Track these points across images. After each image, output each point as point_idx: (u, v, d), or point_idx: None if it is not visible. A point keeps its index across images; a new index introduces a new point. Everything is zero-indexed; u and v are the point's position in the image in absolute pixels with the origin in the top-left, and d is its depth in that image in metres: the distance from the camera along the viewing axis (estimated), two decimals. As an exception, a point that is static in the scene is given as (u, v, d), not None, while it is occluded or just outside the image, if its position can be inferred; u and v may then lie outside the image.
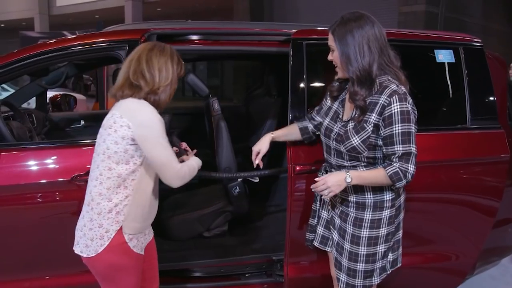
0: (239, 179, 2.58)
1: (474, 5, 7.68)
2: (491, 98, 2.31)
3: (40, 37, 9.05)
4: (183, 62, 1.75)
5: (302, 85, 2.16)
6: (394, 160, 1.62)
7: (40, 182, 1.99)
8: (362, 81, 1.65)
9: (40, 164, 2.03)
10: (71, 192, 2.00)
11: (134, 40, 2.17)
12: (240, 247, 2.64)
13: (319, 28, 2.33)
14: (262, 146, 1.95)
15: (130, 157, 1.62)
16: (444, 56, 2.32)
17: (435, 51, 2.31)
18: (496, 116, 2.30)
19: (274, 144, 2.00)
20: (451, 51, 2.33)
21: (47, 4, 19.38)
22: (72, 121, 3.60)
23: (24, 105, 3.51)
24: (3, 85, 9.23)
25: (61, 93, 4.50)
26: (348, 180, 1.65)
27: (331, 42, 1.71)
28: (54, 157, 2.05)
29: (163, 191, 2.96)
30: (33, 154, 2.05)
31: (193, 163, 1.80)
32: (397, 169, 1.61)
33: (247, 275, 2.42)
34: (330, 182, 1.65)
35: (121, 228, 1.64)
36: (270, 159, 3.39)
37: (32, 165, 2.03)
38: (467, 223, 2.30)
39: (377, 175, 1.65)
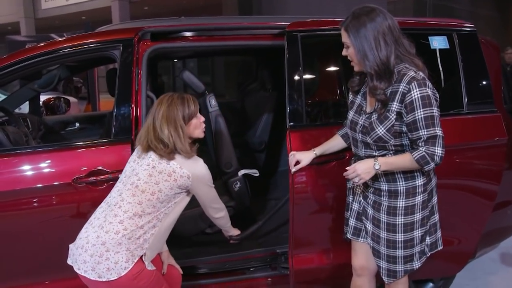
0: (240, 174, 2.58)
1: (463, -8, 7.74)
2: (487, 82, 2.33)
3: (28, 41, 8.94)
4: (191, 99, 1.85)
5: (298, 77, 2.16)
6: (420, 144, 1.65)
7: (40, 186, 1.97)
8: (380, 75, 1.66)
9: (39, 168, 2.01)
10: (72, 195, 1.99)
11: (128, 39, 2.16)
12: (243, 241, 2.64)
13: (313, 20, 2.33)
14: (304, 158, 1.99)
15: (174, 198, 1.80)
16: (438, 42, 2.33)
17: (429, 37, 2.32)
18: (492, 100, 2.32)
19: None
20: (445, 37, 2.34)
21: (32, 8, 19.11)
22: (67, 124, 3.57)
23: (16, 110, 3.47)
24: (-5, 91, 9.12)
25: (54, 96, 4.46)
26: (377, 167, 1.68)
27: (345, 39, 1.71)
28: (54, 161, 2.03)
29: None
30: (31, 159, 2.03)
31: (230, 228, 2.23)
32: (424, 153, 1.63)
33: (251, 269, 2.42)
34: (360, 170, 1.70)
35: (144, 255, 1.73)
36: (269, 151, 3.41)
37: (31, 169, 2.01)
38: (467, 207, 2.32)
39: (405, 159, 1.68)
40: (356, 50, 1.68)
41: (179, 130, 1.77)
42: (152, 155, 1.77)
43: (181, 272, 2.06)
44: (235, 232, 2.23)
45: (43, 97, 3.88)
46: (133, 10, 15.27)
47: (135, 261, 1.68)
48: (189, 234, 2.67)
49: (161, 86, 4.20)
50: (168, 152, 1.75)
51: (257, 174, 2.51)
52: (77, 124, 3.59)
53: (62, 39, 2.29)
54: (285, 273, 2.31)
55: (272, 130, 3.32)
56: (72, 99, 8.52)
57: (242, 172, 2.58)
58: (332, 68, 2.34)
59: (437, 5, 6.66)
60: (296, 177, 2.08)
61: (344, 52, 1.76)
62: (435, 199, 1.85)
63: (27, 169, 2.00)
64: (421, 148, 1.65)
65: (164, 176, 1.74)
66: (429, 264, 2.33)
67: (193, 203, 2.75)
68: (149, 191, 1.73)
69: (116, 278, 1.64)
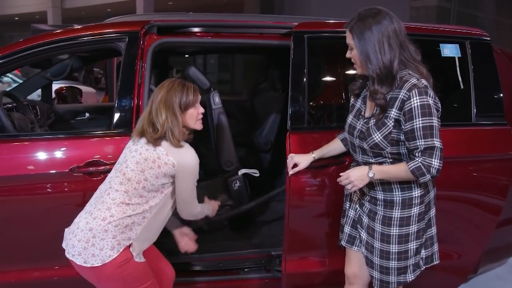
0: (240, 174, 2.57)
1: (488, 0, 7.55)
2: (498, 94, 2.25)
3: (51, 30, 9.14)
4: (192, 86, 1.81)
5: (303, 78, 2.13)
6: (417, 154, 1.59)
7: (38, 173, 1.99)
8: (382, 79, 1.62)
9: (39, 155, 2.04)
10: (68, 184, 2.00)
11: (134, 32, 2.16)
12: (239, 241, 2.63)
13: (320, 21, 2.29)
14: (302, 160, 1.96)
15: (163, 188, 1.75)
16: (450, 50, 2.27)
17: (441, 45, 2.26)
18: (502, 112, 2.24)
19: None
20: (457, 45, 2.27)
21: (60, -2, 19.55)
22: (77, 113, 3.62)
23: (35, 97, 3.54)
24: (13, 77, 9.33)
25: (67, 85, 4.53)
26: (371, 174, 1.64)
27: (349, 40, 1.68)
28: (53, 149, 2.05)
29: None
30: (31, 146, 2.06)
31: (206, 211, 2.02)
32: (420, 164, 1.57)
33: (246, 269, 2.40)
34: (353, 177, 1.66)
35: (130, 245, 1.71)
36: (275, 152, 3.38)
37: (31, 156, 2.03)
38: (470, 221, 2.26)
39: (400, 169, 1.62)
40: (359, 52, 1.64)
41: (174, 116, 1.73)
42: (142, 141, 1.75)
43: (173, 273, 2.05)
44: (213, 206, 2.12)
45: (55, 86, 3.94)
46: (158, 4, 15.38)
47: (121, 250, 1.67)
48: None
49: None
50: (155, 137, 1.71)
51: (257, 174, 2.49)
52: (87, 114, 3.63)
53: (68, 29, 2.31)
54: (279, 276, 2.29)
55: (279, 131, 3.29)
56: (89, 89, 8.67)
57: (242, 171, 2.57)
58: (337, 71, 2.29)
59: (461, 12, 6.51)
60: (293, 180, 2.05)
61: (348, 54, 1.72)
62: (433, 212, 1.79)
63: (26, 156, 2.02)
64: (417, 159, 1.59)
65: (149, 163, 1.71)
66: (427, 278, 2.28)
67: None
68: (135, 179, 1.71)
69: (100, 264, 1.64)
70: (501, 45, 2.49)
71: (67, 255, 1.71)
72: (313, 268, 2.22)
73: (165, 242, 2.45)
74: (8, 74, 9.57)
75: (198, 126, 1.84)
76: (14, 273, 2.09)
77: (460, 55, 2.26)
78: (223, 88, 14.68)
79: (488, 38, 2.32)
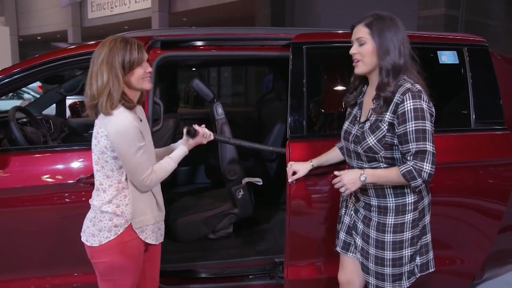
0: (243, 182, 2.62)
1: (497, 7, 7.47)
2: (497, 100, 2.26)
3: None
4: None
5: (302, 88, 2.18)
6: (409, 158, 1.60)
7: (45, 184, 2.08)
8: (394, 73, 1.64)
9: (47, 167, 2.13)
10: (77, 194, 2.08)
11: (139, 47, 2.25)
12: (244, 249, 2.67)
13: (319, 32, 2.35)
14: (301, 168, 1.99)
15: (119, 161, 1.65)
16: (447, 57, 2.29)
17: (438, 52, 2.29)
18: (502, 117, 2.25)
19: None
20: (455, 52, 2.30)
21: (80, 17, 20.14)
22: (90, 126, 3.73)
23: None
24: (35, 94, 9.65)
25: (80, 100, 4.68)
26: (362, 178, 1.66)
27: (363, 34, 1.67)
28: (60, 160, 2.14)
29: (170, 194, 3.03)
30: (40, 158, 2.16)
31: (165, 165, 1.75)
32: (411, 167, 1.58)
33: (250, 276, 2.44)
34: (346, 180, 1.68)
35: (130, 225, 1.69)
36: (281, 161, 3.42)
37: (39, 168, 2.12)
38: (472, 226, 2.25)
39: (392, 173, 1.64)
40: (378, 46, 1.64)
41: (116, 78, 1.58)
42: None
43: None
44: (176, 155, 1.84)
45: (69, 101, 4.08)
46: (172, 21, 15.74)
47: (119, 233, 1.67)
48: (192, 239, 2.73)
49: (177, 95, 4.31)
50: (91, 104, 1.61)
51: (261, 183, 2.54)
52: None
53: (80, 45, 2.42)
54: (282, 282, 2.31)
55: (284, 140, 3.33)
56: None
57: (245, 180, 2.62)
58: (335, 80, 2.35)
59: (470, 21, 6.46)
60: (293, 188, 2.09)
61: (354, 50, 1.70)
62: (427, 219, 1.79)
63: (36, 168, 2.12)
64: (409, 163, 1.60)
65: (94, 141, 1.66)
66: (427, 284, 2.28)
67: (196, 208, 2.83)
68: (94, 161, 1.69)
69: (97, 245, 1.67)
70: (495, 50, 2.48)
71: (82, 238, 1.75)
72: (315, 274, 2.24)
73: (169, 251, 2.52)
74: (29, 91, 9.92)
75: (146, 85, 1.69)
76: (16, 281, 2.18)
77: (457, 62, 2.28)
78: (236, 100, 14.88)
79: (486, 44, 2.33)
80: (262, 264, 2.46)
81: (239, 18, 14.72)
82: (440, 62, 2.28)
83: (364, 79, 1.80)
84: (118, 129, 1.58)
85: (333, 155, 2.02)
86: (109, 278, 1.74)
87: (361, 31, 1.68)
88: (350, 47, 1.73)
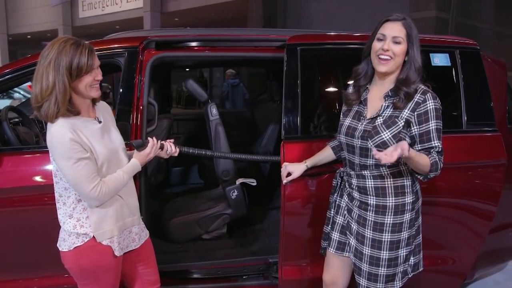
0: (237, 183, 2.63)
1: (487, 10, 7.57)
2: (488, 102, 2.30)
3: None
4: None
5: (295, 89, 2.19)
6: (434, 154, 1.66)
7: (37, 185, 2.06)
8: (419, 72, 1.72)
9: (39, 167, 2.11)
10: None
11: (133, 47, 2.25)
12: (238, 249, 2.68)
13: (312, 34, 2.37)
14: (295, 169, 2.00)
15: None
16: (439, 59, 2.32)
17: (430, 54, 2.31)
18: (493, 119, 2.28)
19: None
20: (447, 54, 2.33)
21: (70, 16, 19.96)
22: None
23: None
24: (25, 93, 9.55)
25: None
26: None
27: (401, 34, 1.69)
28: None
29: (163, 194, 3.02)
30: (33, 158, 2.14)
31: (117, 176, 1.64)
32: (437, 160, 1.65)
33: (244, 277, 2.44)
34: (389, 150, 1.51)
35: (94, 238, 1.62)
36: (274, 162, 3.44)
37: (34, 168, 2.11)
38: (463, 227, 2.28)
39: (423, 156, 1.63)
40: (414, 46, 1.71)
41: (62, 83, 1.46)
42: None
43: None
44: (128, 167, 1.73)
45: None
46: (164, 21, 15.67)
47: (85, 240, 1.61)
48: (185, 239, 2.73)
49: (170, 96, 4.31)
50: (36, 108, 1.51)
51: (254, 183, 2.55)
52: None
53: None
54: (276, 283, 2.32)
55: (278, 141, 3.35)
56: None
57: (239, 180, 2.62)
58: (329, 81, 2.36)
59: (461, 23, 6.53)
60: (287, 189, 2.10)
61: (388, 46, 1.68)
62: (420, 219, 1.83)
63: (27, 168, 2.11)
64: (435, 156, 1.65)
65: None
66: (420, 283, 2.30)
67: (190, 209, 2.83)
68: (53, 172, 1.63)
69: (67, 250, 1.63)
70: (502, 55, 2.52)
71: None
72: (309, 275, 2.25)
73: (163, 251, 2.52)
74: (19, 91, 9.81)
75: (94, 93, 1.58)
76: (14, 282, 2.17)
77: (449, 64, 2.31)
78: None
79: (478, 47, 2.37)
80: (256, 264, 2.47)
81: (231, 18, 14.71)
82: (433, 64, 2.31)
83: (369, 77, 1.82)
84: (51, 142, 1.50)
85: (326, 154, 2.03)
86: (85, 283, 1.71)
87: (399, 30, 1.70)
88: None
